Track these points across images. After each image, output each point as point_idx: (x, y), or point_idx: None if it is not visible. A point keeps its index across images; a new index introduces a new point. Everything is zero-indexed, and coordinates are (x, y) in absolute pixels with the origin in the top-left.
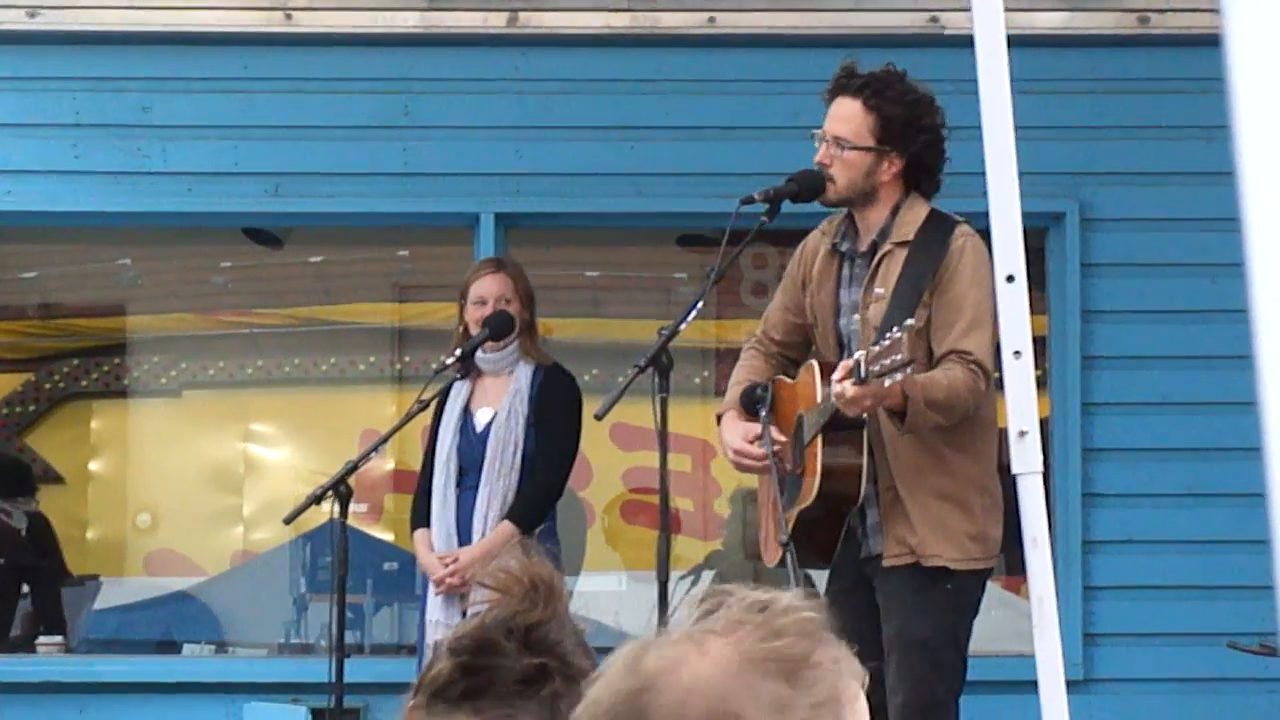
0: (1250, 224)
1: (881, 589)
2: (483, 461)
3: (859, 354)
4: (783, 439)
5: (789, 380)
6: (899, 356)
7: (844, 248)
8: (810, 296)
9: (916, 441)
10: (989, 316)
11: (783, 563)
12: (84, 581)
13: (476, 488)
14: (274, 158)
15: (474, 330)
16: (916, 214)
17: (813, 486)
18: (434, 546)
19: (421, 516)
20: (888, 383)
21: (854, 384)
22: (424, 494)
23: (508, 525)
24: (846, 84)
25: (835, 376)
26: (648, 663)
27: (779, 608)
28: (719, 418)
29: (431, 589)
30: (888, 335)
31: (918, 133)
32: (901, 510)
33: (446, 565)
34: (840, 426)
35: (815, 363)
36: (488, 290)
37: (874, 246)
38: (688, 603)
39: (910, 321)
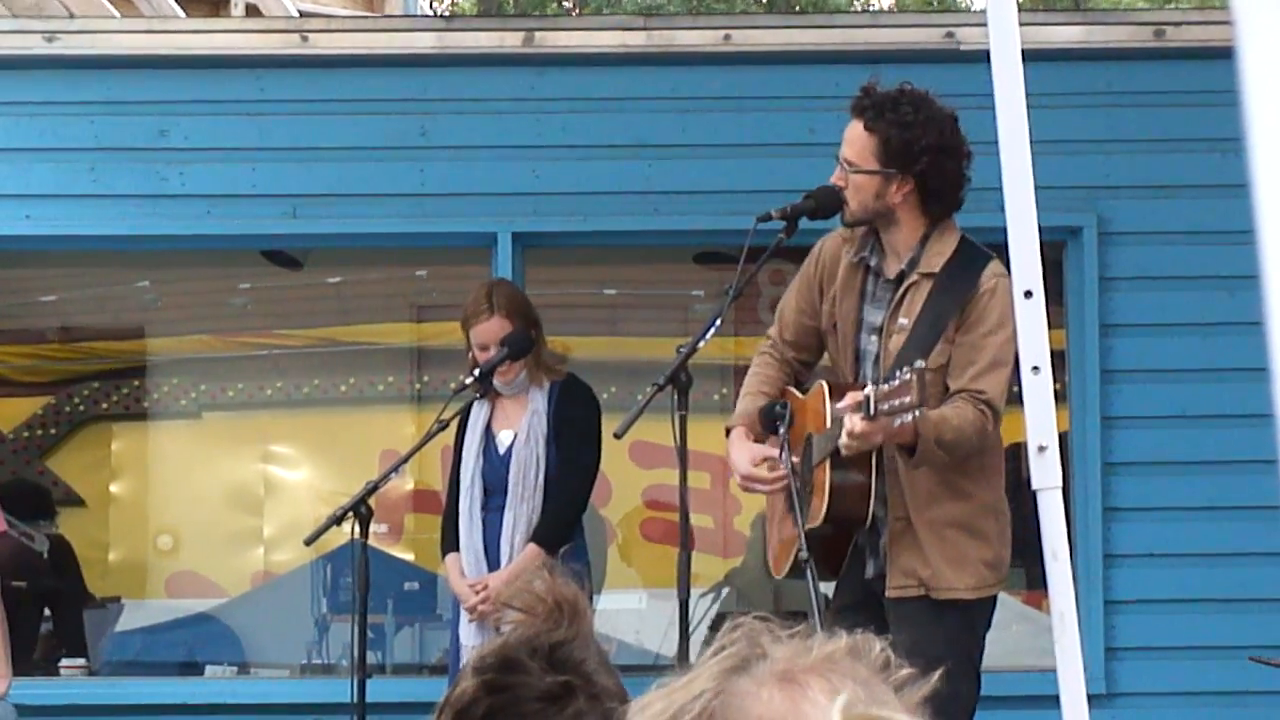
0: (1264, 234)
1: (890, 610)
2: (507, 484)
3: (869, 389)
4: (794, 460)
5: (799, 394)
6: (908, 399)
7: (871, 262)
8: (831, 304)
9: (929, 469)
10: (1010, 358)
11: (800, 576)
12: (106, 604)
13: (503, 510)
14: (291, 179)
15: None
16: (946, 244)
17: (821, 507)
18: (464, 571)
19: (451, 540)
20: (897, 423)
21: (863, 419)
22: (452, 517)
23: (534, 549)
24: (856, 105)
25: (842, 404)
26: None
27: (877, 659)
28: (728, 431)
29: (464, 613)
30: (897, 375)
31: (919, 154)
32: (912, 540)
33: (477, 592)
34: None
35: (825, 383)
36: (486, 337)
37: (901, 275)
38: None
39: (921, 363)
